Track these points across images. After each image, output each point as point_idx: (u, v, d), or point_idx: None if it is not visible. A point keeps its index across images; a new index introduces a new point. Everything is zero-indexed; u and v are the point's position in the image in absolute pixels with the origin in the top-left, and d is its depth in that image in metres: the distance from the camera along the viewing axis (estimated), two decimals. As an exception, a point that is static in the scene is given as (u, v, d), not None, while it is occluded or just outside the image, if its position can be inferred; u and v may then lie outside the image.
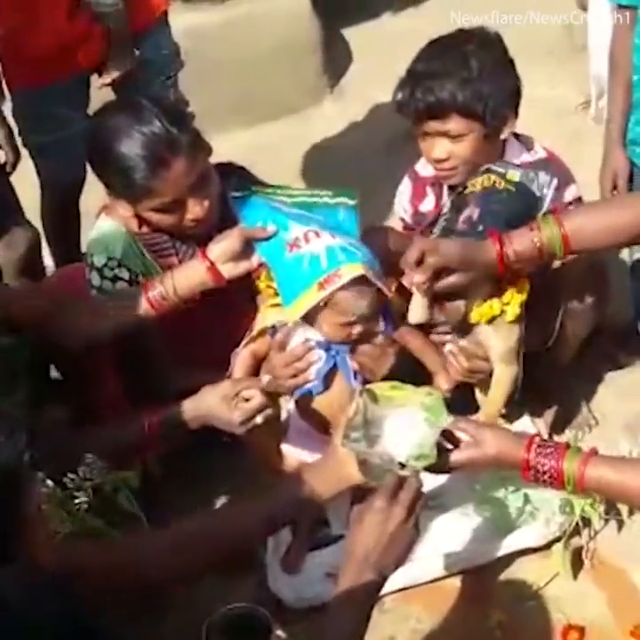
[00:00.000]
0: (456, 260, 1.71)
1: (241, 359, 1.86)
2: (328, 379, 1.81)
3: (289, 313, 1.77)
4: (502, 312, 1.81)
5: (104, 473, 1.77)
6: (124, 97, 2.39)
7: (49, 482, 1.68)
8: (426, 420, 1.50)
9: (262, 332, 1.85)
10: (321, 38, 3.73)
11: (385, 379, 1.75)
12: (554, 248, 1.73)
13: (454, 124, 1.94)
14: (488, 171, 1.88)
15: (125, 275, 1.97)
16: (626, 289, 2.36)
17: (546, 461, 1.48)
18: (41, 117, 2.48)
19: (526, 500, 1.90)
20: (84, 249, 2.18)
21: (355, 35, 3.97)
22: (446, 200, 1.85)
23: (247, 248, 1.83)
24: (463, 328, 1.86)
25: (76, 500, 1.71)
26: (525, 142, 2.08)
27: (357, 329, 1.76)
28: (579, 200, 2.06)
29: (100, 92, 2.51)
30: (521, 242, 1.73)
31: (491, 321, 1.82)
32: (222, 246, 1.83)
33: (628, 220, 1.75)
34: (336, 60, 3.83)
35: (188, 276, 1.85)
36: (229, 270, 1.84)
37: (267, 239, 1.81)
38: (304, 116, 3.64)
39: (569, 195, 2.03)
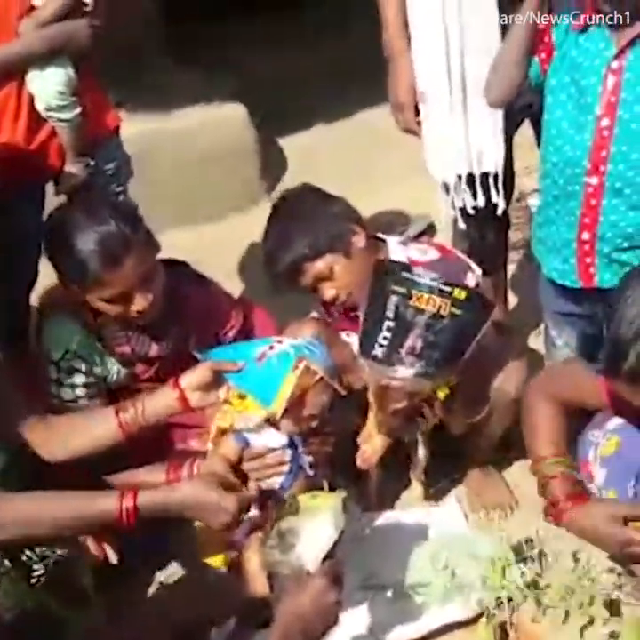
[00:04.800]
0: None
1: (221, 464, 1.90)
2: (296, 477, 1.95)
3: (274, 407, 1.87)
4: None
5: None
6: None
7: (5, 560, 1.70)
8: (332, 523, 1.68)
9: (225, 432, 1.94)
10: (258, 145, 3.94)
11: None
12: None
13: (316, 268, 2.18)
14: (431, 291, 1.91)
15: (82, 366, 2.09)
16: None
17: None
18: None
19: (453, 576, 2.03)
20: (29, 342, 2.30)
21: (289, 143, 4.19)
22: (391, 303, 1.95)
23: (217, 380, 1.94)
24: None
25: (34, 574, 1.71)
26: (398, 238, 2.30)
27: (316, 421, 1.93)
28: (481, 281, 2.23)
29: (56, 198, 2.57)
30: None
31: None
32: (194, 377, 1.94)
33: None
34: (272, 165, 4.03)
35: (158, 402, 1.95)
36: (197, 400, 1.95)
37: (237, 371, 1.93)
38: (243, 217, 3.79)
39: (471, 280, 2.19)
